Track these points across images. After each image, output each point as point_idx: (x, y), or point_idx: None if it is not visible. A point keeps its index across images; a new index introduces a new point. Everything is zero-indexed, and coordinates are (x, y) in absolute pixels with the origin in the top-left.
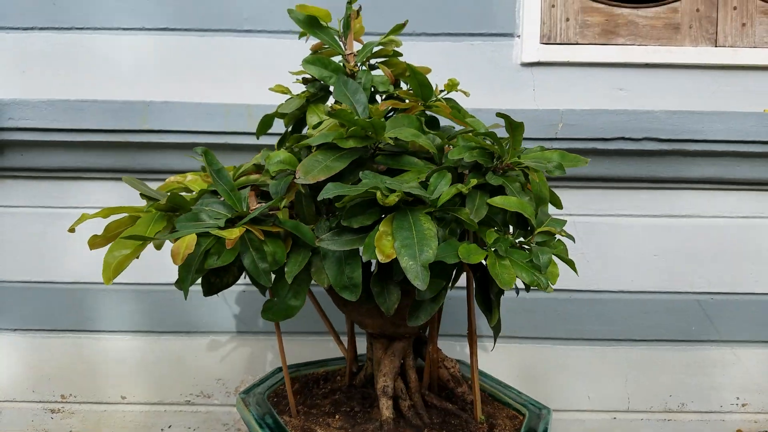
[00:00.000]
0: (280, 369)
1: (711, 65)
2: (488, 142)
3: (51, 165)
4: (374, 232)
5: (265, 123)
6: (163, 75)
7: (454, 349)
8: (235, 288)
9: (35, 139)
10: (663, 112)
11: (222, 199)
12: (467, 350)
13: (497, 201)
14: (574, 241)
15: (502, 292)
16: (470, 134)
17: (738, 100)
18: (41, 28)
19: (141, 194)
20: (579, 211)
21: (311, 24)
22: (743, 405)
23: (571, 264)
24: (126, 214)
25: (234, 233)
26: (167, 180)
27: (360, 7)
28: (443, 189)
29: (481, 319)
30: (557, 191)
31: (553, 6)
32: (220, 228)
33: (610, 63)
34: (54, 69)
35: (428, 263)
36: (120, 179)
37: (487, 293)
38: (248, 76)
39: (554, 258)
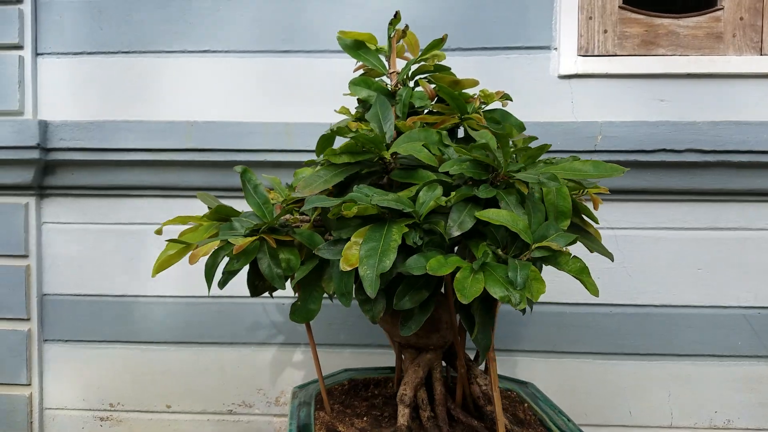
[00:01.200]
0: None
1: (756, 74)
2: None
3: (99, 183)
4: (348, 242)
5: (326, 141)
6: (206, 96)
7: (504, 364)
8: (275, 300)
9: (85, 159)
10: (706, 123)
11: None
12: (519, 366)
13: (484, 214)
14: (612, 260)
15: (490, 307)
16: (466, 146)
17: None
18: (90, 53)
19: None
20: (620, 225)
21: (356, 47)
22: None
23: (588, 284)
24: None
25: (241, 241)
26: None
27: (407, 26)
28: (430, 202)
29: (517, 333)
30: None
31: (591, 18)
32: (238, 236)
33: (651, 74)
34: (102, 91)
35: (382, 272)
36: (165, 196)
37: (467, 306)
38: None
39: (572, 273)
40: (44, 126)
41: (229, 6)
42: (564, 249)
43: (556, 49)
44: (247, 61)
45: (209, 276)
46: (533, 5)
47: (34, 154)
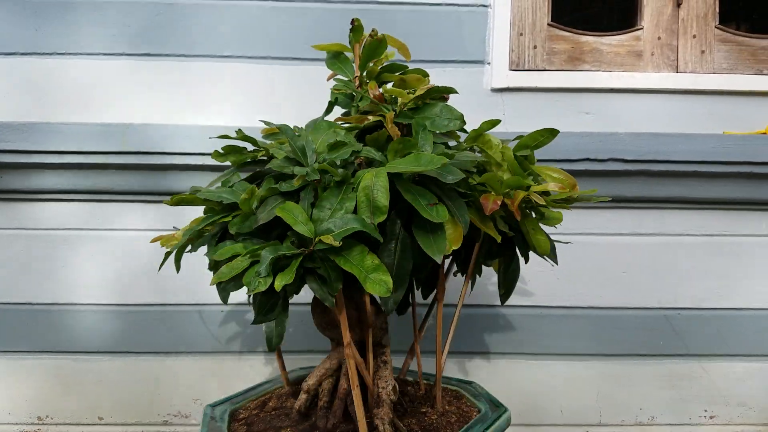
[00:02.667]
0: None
1: (673, 90)
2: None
3: (30, 187)
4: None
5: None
6: (141, 98)
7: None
8: (214, 308)
9: (15, 161)
10: (627, 134)
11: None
12: (453, 367)
13: (281, 208)
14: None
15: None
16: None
17: (699, 122)
18: (23, 54)
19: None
20: (550, 230)
21: (334, 57)
22: (711, 417)
23: (371, 285)
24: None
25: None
26: None
27: (374, 30)
28: (244, 194)
29: (472, 338)
30: None
31: (521, 34)
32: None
33: (577, 88)
34: (35, 93)
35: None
36: (99, 200)
37: None
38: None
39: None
40: None
41: (172, 9)
42: (339, 243)
43: (489, 63)
44: (185, 65)
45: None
46: (468, 21)
47: None
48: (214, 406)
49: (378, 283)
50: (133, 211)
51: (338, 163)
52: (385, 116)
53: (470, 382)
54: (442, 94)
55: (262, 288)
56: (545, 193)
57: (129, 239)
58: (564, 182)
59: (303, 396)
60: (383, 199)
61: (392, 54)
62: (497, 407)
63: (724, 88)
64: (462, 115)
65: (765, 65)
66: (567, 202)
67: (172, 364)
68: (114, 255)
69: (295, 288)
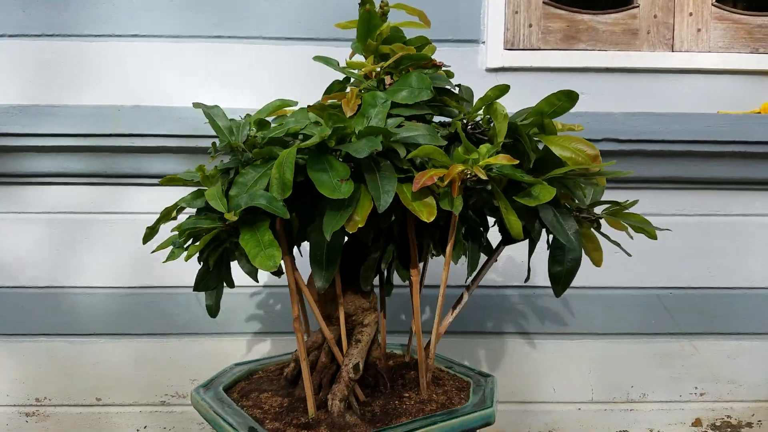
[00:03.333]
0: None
1: (668, 69)
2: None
3: (23, 170)
4: None
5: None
6: (136, 80)
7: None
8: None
9: (6, 145)
10: (622, 114)
11: None
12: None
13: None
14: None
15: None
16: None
17: (694, 102)
18: (11, 36)
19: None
20: None
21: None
22: (701, 394)
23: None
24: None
25: None
26: None
27: (384, 2)
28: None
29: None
30: None
31: (516, 12)
32: None
33: (572, 68)
34: (25, 76)
35: None
36: (92, 184)
37: None
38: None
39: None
40: None
41: None
42: (236, 217)
43: (484, 42)
44: (177, 45)
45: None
46: (463, 0)
47: None
48: (238, 364)
49: (267, 258)
50: (128, 193)
51: (262, 140)
52: (349, 91)
53: (488, 375)
54: (416, 63)
55: (173, 258)
56: (535, 171)
57: (126, 222)
58: (581, 154)
59: (292, 365)
60: (289, 174)
61: (409, 23)
62: (483, 409)
63: (719, 67)
64: (431, 84)
65: (761, 44)
66: (584, 177)
67: (170, 345)
68: (107, 237)
69: (219, 260)
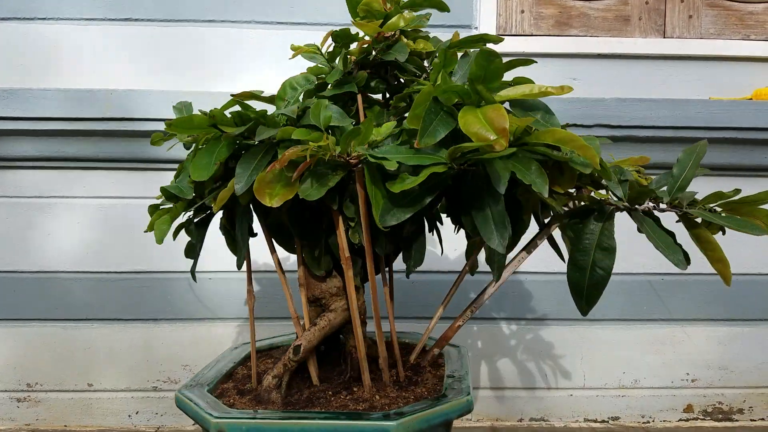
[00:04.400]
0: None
1: (660, 55)
2: None
3: (13, 154)
4: None
5: None
6: (125, 64)
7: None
8: (202, 275)
9: None
10: (613, 100)
11: None
12: (440, 331)
13: None
14: None
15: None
16: None
17: (685, 88)
18: (1, 19)
19: None
20: None
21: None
22: (693, 380)
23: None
24: None
25: None
26: None
27: None
28: None
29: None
30: None
31: None
32: None
33: (564, 54)
34: (14, 59)
35: None
36: (85, 168)
37: None
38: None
39: None
40: None
41: None
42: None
43: (476, 28)
44: (168, 30)
45: None
46: None
47: None
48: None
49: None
50: (117, 178)
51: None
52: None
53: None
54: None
55: (149, 230)
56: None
57: (115, 207)
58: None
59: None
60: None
61: None
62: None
63: (711, 53)
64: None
65: (752, 30)
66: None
67: (161, 330)
68: (100, 222)
69: (197, 237)
